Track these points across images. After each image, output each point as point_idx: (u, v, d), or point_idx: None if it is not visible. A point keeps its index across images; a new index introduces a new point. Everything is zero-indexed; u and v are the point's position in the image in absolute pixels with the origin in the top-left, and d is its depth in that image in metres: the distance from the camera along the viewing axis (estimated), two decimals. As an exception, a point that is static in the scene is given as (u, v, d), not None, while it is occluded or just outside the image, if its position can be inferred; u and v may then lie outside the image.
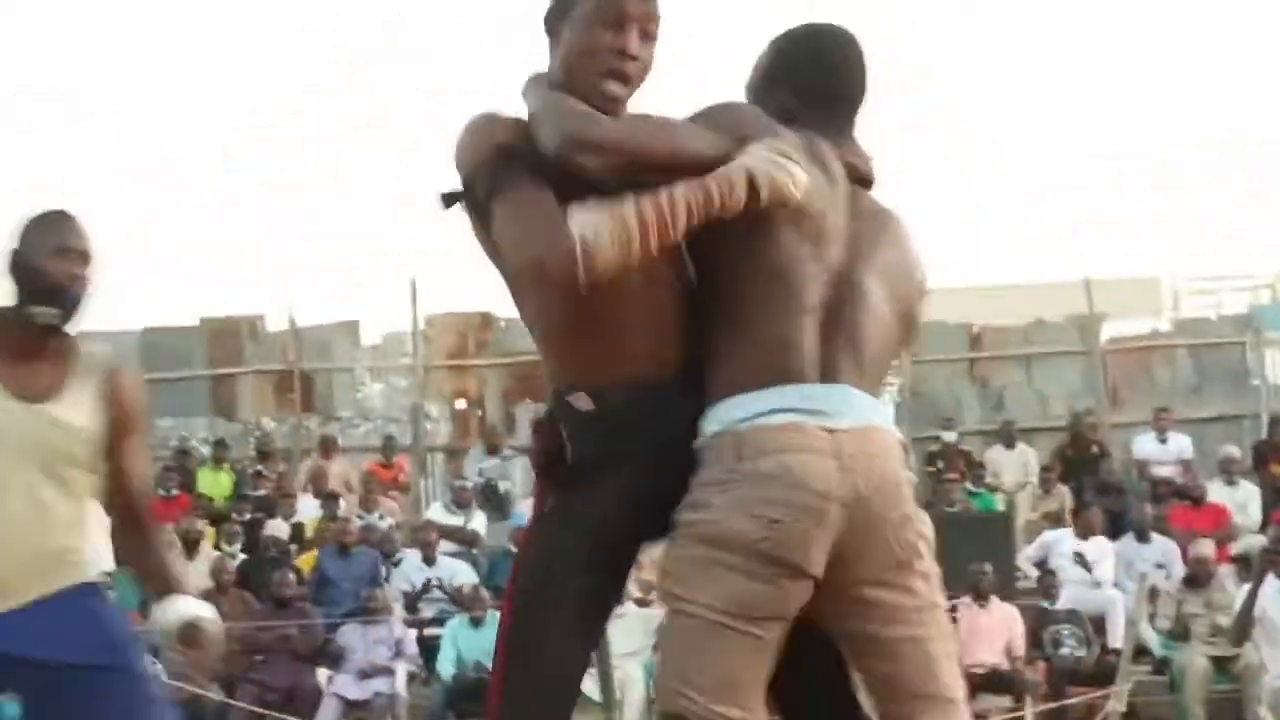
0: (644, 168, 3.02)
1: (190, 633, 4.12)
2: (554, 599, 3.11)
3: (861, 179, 3.27)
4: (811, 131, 3.19)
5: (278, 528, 14.29)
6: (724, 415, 3.04)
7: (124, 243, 30.50)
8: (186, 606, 4.17)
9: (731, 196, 3.02)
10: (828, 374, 3.07)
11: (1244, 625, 10.60)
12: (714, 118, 3.14)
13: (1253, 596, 10.40)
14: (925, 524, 3.11)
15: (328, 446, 16.06)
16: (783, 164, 3.04)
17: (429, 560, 13.21)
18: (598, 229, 2.94)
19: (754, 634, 2.99)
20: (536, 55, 3.26)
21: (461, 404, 17.52)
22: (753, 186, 3.01)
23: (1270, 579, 10.32)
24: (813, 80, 3.29)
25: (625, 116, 3.15)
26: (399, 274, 31.28)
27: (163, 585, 4.19)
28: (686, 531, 3.02)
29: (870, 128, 3.37)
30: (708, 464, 3.04)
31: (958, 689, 3.13)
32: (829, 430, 3.00)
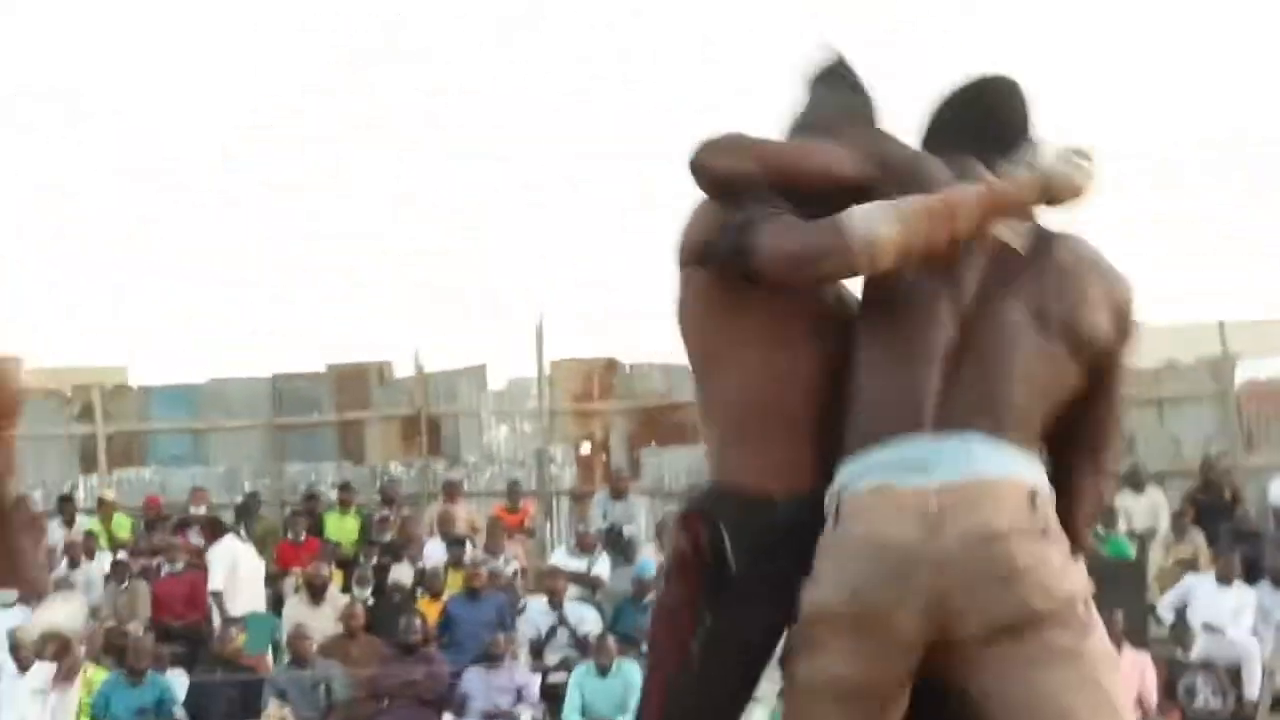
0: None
1: (50, 643, 3.95)
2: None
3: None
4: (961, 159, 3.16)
5: (403, 572, 14.27)
6: (835, 481, 2.97)
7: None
8: (49, 614, 3.97)
9: (1017, 196, 3.03)
10: (944, 423, 2.94)
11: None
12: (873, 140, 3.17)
13: None
14: (1050, 583, 2.90)
15: (452, 491, 16.06)
16: (1079, 164, 3.02)
17: (555, 605, 13.11)
18: (874, 219, 2.92)
19: (850, 713, 2.93)
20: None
21: (586, 448, 17.44)
22: (1046, 188, 3.03)
23: None
24: (1009, 138, 3.21)
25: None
26: (525, 319, 31.33)
27: (25, 586, 4.01)
28: (801, 609, 2.97)
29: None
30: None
31: None
32: (924, 489, 2.87)
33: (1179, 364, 17.40)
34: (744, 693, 3.09)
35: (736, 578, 3.04)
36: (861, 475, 2.92)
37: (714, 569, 3.07)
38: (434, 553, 14.68)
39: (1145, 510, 15.63)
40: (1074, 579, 2.94)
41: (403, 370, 18.13)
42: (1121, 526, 15.13)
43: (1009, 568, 2.86)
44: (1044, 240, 3.13)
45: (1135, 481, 15.86)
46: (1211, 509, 15.36)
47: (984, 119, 3.23)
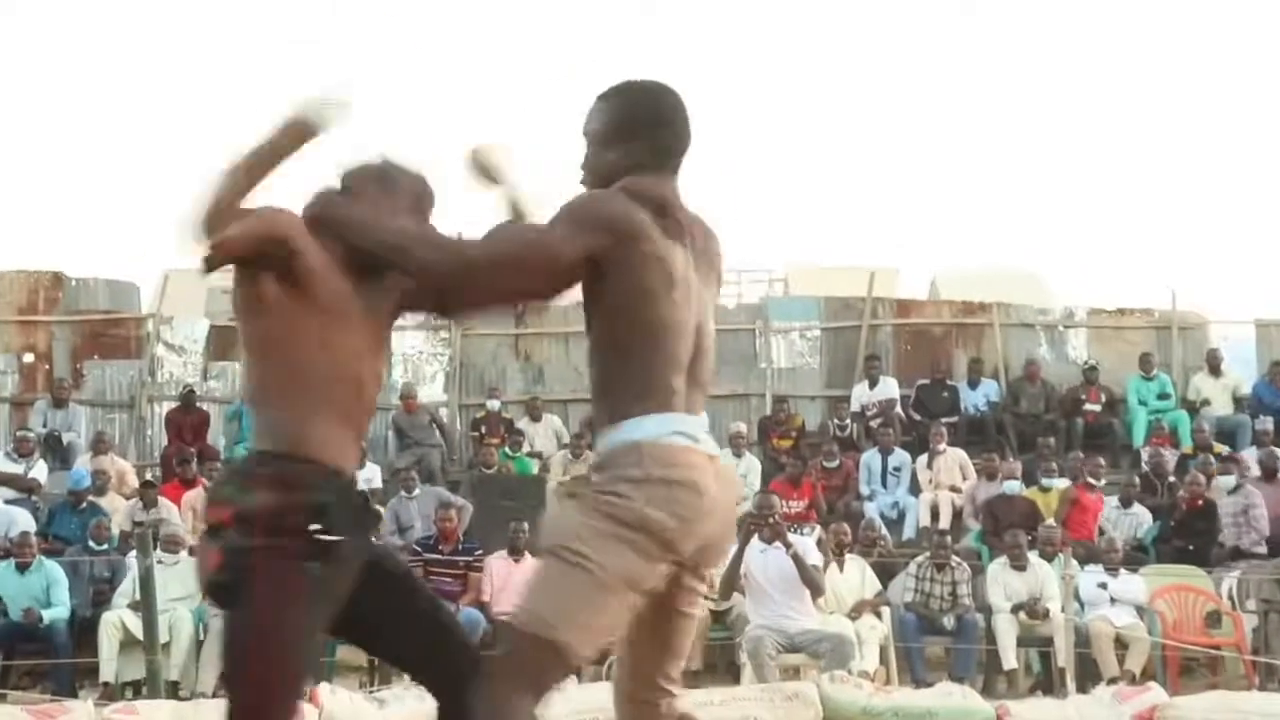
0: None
1: None
2: (297, 661, 3.50)
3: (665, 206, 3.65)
4: (662, 185, 3.61)
5: None
6: (630, 431, 3.48)
7: None
8: None
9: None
10: (692, 406, 3.57)
11: (729, 581, 11.24)
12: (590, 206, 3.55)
13: (737, 557, 11.03)
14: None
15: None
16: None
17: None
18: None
19: (630, 601, 3.47)
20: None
21: (29, 358, 17.00)
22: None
23: (754, 542, 10.93)
24: (664, 140, 3.63)
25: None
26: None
27: None
28: (603, 510, 3.42)
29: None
30: (612, 467, 3.47)
31: (676, 672, 3.73)
32: (709, 456, 3.54)
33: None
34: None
35: (330, 541, 3.49)
36: (665, 432, 3.47)
37: (309, 531, 3.46)
38: None
39: (546, 433, 16.55)
40: None
41: None
42: (525, 448, 15.96)
43: (730, 527, 3.72)
44: (706, 245, 3.73)
45: (534, 410, 16.72)
46: (605, 433, 16.37)
47: (675, 139, 3.70)
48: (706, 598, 10.63)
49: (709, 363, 3.64)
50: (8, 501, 13.37)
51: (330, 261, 3.56)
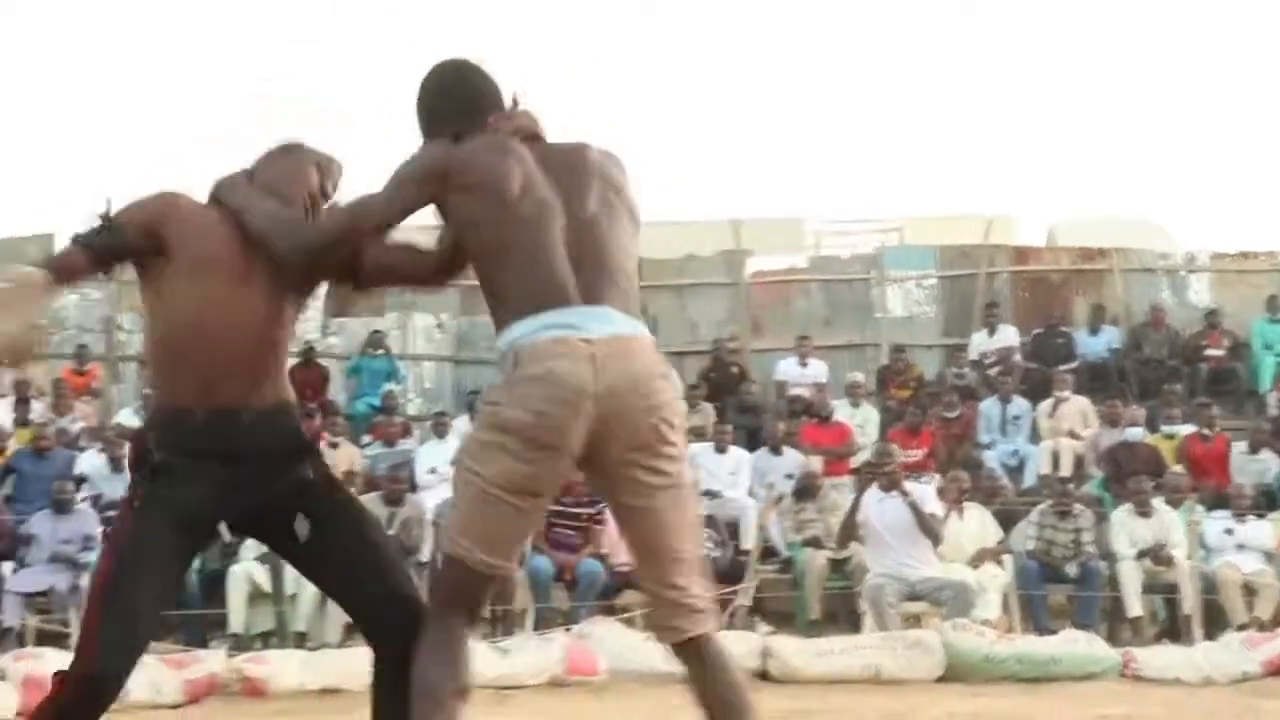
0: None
1: None
2: (146, 565, 3.76)
3: (534, 135, 3.85)
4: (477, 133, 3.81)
5: (-32, 427, 14.04)
6: (507, 337, 3.60)
7: None
8: None
9: None
10: (589, 299, 3.61)
11: (847, 530, 11.19)
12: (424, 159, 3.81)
13: (854, 506, 10.97)
14: (677, 415, 3.66)
15: (23, 353, 15.68)
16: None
17: (116, 466, 13.09)
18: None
19: (516, 505, 3.56)
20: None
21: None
22: None
23: (872, 490, 10.86)
24: (464, 110, 3.87)
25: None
26: (94, 189, 30.32)
27: None
28: (482, 419, 3.59)
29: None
30: (499, 373, 3.64)
31: (686, 550, 3.67)
32: (587, 340, 3.53)
33: (698, 256, 18.26)
34: (174, 548, 3.83)
35: (165, 467, 3.82)
36: (536, 331, 3.55)
37: (145, 466, 3.86)
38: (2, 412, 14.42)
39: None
40: (684, 409, 3.72)
41: (-29, 235, 17.54)
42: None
43: (651, 402, 3.58)
44: (571, 149, 3.87)
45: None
46: (720, 385, 16.34)
47: (472, 105, 3.90)
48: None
49: (613, 253, 3.72)
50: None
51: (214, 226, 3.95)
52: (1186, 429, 14.07)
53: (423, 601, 3.87)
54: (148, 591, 3.75)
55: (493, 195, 3.66)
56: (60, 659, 8.94)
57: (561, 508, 12.12)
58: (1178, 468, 13.17)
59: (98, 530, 11.82)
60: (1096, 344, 16.94)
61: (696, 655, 3.67)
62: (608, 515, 12.04)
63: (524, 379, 3.51)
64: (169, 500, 3.80)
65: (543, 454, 3.50)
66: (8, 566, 11.62)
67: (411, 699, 3.62)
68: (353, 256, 3.89)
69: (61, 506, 11.82)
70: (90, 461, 13.34)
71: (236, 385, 3.88)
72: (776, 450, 13.90)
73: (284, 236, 3.82)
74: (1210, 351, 16.49)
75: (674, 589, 3.64)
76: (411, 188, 3.72)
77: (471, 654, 3.76)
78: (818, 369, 16.48)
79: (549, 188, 3.71)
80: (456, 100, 3.89)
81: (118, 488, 12.69)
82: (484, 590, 3.71)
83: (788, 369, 16.59)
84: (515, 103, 3.92)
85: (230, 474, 3.84)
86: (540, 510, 3.70)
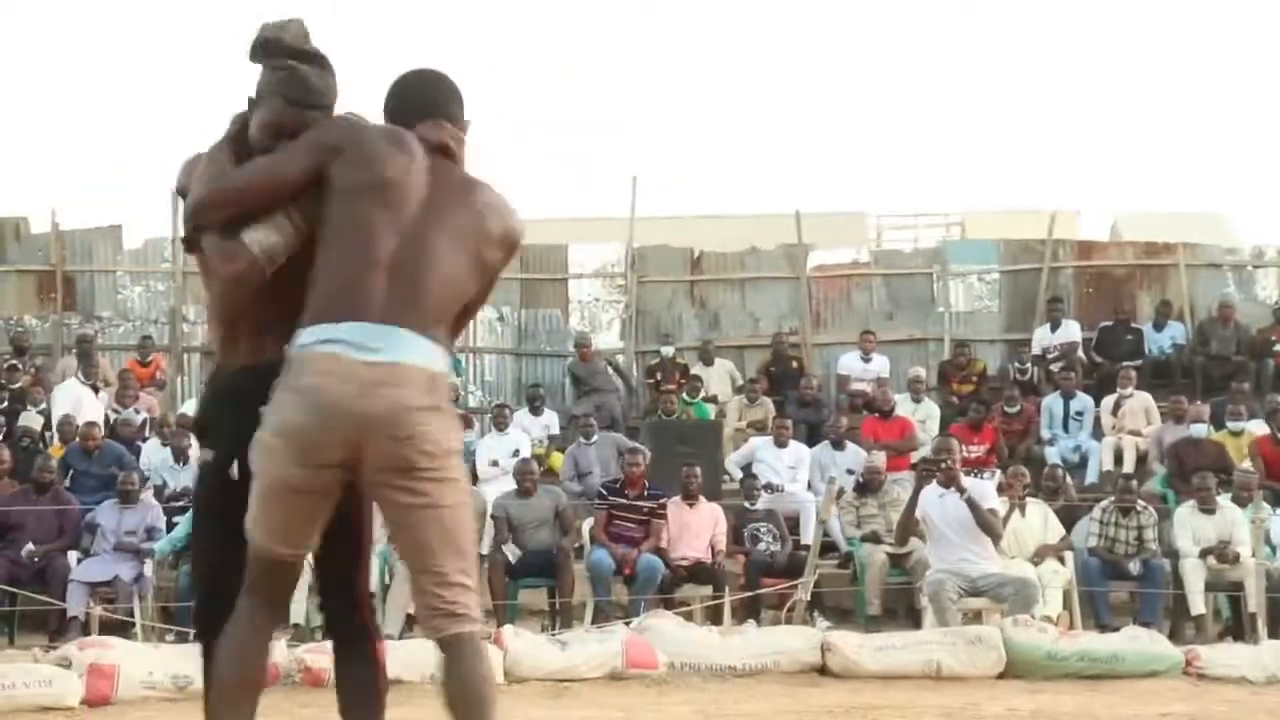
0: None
1: None
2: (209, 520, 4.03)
3: (445, 151, 3.96)
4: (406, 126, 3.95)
5: (31, 419, 14.15)
6: (294, 342, 3.72)
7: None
8: None
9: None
10: (387, 316, 3.70)
11: (905, 526, 11.14)
12: (322, 131, 3.92)
13: (912, 502, 10.91)
14: (434, 444, 3.71)
15: (85, 345, 15.84)
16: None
17: (179, 456, 13.20)
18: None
19: (296, 500, 3.75)
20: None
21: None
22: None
23: (931, 486, 10.80)
24: (406, 113, 3.99)
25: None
26: (162, 181, 30.61)
27: None
28: (263, 422, 3.73)
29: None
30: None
31: (447, 565, 3.77)
32: (363, 362, 3.66)
33: (759, 249, 18.22)
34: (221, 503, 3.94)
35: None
36: (318, 342, 3.67)
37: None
38: (64, 401, 14.54)
39: (717, 378, 16.50)
40: (452, 440, 3.78)
41: (39, 226, 17.71)
42: (703, 393, 15.94)
43: (407, 433, 3.67)
44: (468, 182, 3.96)
45: (706, 355, 16.72)
46: (781, 379, 16.32)
47: (421, 107, 4.01)
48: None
49: (435, 280, 3.77)
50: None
51: None
52: (1253, 425, 13.91)
53: (364, 596, 4.13)
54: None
55: (365, 168, 3.80)
56: (124, 648, 9.06)
57: (625, 500, 12.14)
58: (1247, 465, 13.03)
59: (161, 521, 11.92)
60: (1161, 339, 16.79)
61: (454, 653, 3.78)
62: (670, 508, 12.08)
63: (293, 389, 3.68)
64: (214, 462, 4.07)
65: (306, 461, 3.69)
66: (73, 556, 11.72)
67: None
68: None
69: (126, 497, 11.92)
70: (154, 453, 13.46)
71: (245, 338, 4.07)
72: (838, 445, 13.85)
73: (202, 187, 3.95)
74: (1278, 348, 16.30)
75: (434, 596, 3.77)
76: (303, 154, 3.85)
77: (271, 645, 3.98)
78: (880, 363, 16.44)
79: (416, 195, 3.83)
80: (401, 103, 4.01)
81: (181, 479, 12.85)
82: (280, 576, 3.89)
83: (850, 363, 16.55)
84: (460, 120, 4.03)
85: None
86: (329, 500, 3.80)
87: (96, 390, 14.94)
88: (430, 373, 3.73)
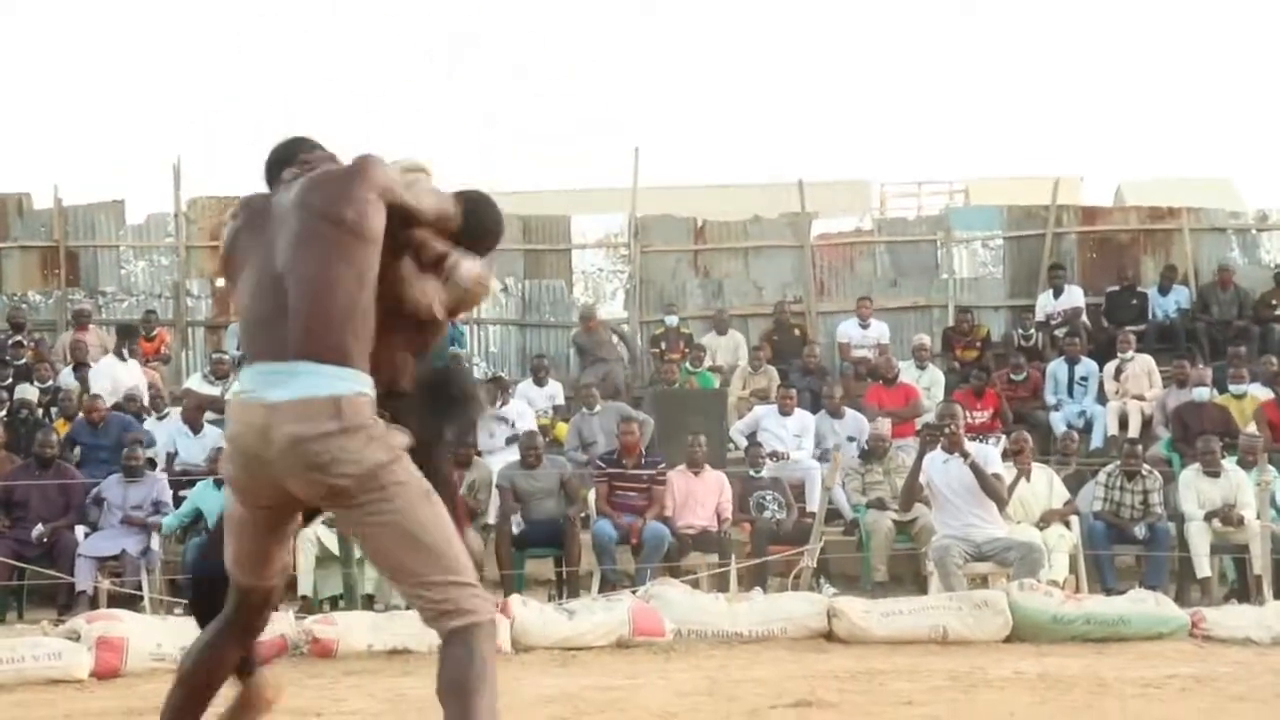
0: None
1: None
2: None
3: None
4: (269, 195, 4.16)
5: (31, 393, 14.16)
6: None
7: None
8: None
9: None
10: (277, 353, 3.85)
11: (909, 492, 11.16)
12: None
13: (916, 467, 10.92)
14: (354, 464, 3.81)
15: (83, 319, 15.82)
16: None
17: (194, 427, 13.24)
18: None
19: (247, 533, 4.09)
20: None
21: (222, 282, 17.37)
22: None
23: (935, 452, 10.79)
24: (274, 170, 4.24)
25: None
26: (163, 157, 30.60)
27: None
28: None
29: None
30: None
31: (420, 567, 3.87)
32: (264, 404, 3.83)
33: (763, 218, 18.20)
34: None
35: None
36: (235, 391, 3.95)
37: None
38: (67, 376, 14.57)
39: (727, 348, 16.52)
40: (374, 454, 3.83)
41: (42, 202, 17.69)
42: (707, 362, 15.95)
43: (315, 463, 3.80)
44: (294, 192, 4.05)
45: (720, 325, 16.74)
46: (784, 347, 16.31)
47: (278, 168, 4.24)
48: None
49: (305, 299, 3.85)
50: (209, 422, 13.66)
51: None
52: (1254, 389, 13.91)
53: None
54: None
55: (236, 265, 4.07)
56: (132, 621, 9.09)
57: (622, 469, 12.16)
58: (1252, 429, 13.03)
59: (168, 495, 11.93)
60: (1166, 303, 16.77)
61: (444, 646, 3.89)
62: (670, 476, 12.09)
63: (227, 438, 4.02)
64: None
65: (245, 503, 4.01)
66: (80, 530, 11.74)
67: None
68: None
69: (131, 472, 11.93)
70: (162, 425, 13.49)
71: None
72: (835, 413, 13.84)
73: None
74: (1280, 311, 16.29)
75: (420, 599, 3.89)
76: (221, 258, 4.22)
77: (227, 663, 4.34)
78: (879, 330, 16.45)
79: (254, 244, 4.02)
80: (269, 165, 4.26)
81: (192, 449, 12.90)
82: (245, 601, 4.21)
83: (848, 330, 16.57)
84: (311, 153, 4.22)
85: None
86: (276, 537, 4.12)
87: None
88: (334, 398, 3.81)
